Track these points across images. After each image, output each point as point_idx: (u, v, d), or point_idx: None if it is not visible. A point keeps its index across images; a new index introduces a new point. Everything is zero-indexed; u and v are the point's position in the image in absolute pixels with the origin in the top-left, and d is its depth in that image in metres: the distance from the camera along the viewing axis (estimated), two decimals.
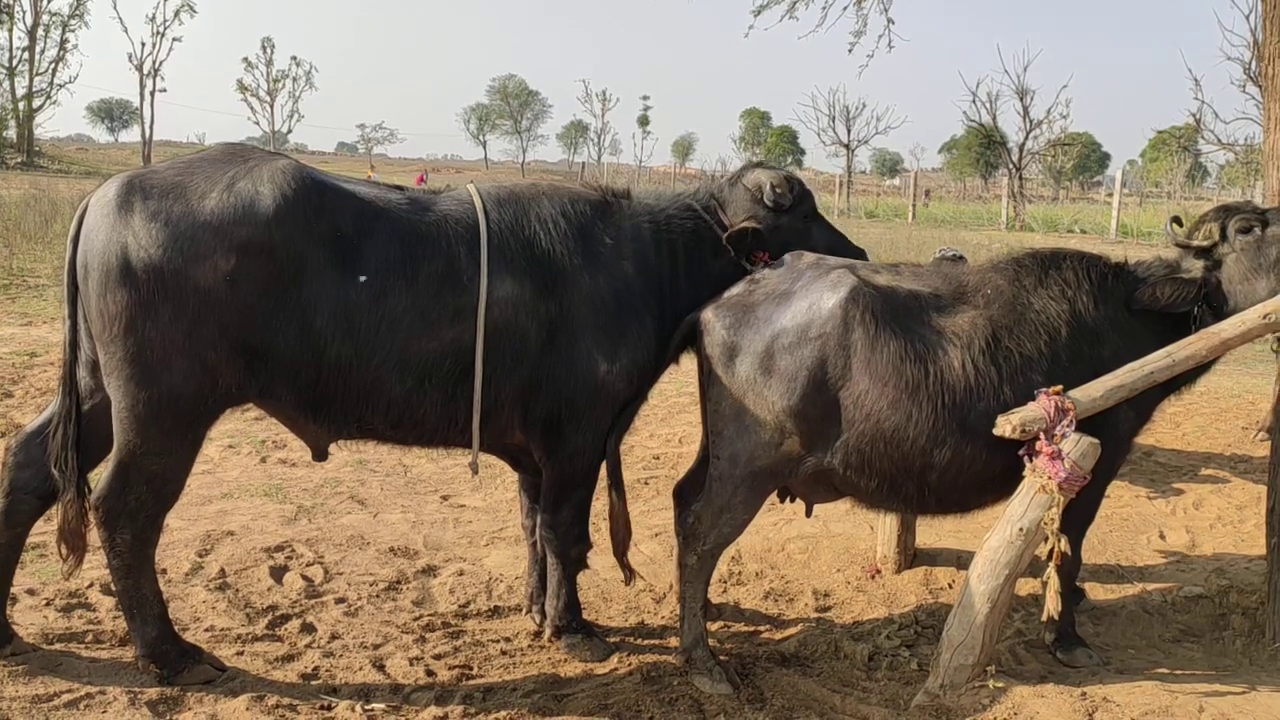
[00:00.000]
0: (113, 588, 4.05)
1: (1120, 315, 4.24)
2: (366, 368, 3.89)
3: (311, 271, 3.80)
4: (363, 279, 3.83)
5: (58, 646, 4.22)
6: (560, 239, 4.21)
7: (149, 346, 3.68)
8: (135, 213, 3.68)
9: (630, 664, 4.42)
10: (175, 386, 3.72)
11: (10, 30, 46.74)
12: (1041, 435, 3.85)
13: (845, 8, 10.15)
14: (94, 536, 3.92)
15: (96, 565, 4.54)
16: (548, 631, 4.61)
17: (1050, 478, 3.83)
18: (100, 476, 3.88)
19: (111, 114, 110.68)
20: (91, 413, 3.99)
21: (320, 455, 4.27)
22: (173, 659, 3.97)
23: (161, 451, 3.79)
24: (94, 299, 3.71)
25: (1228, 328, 4.11)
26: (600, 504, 4.41)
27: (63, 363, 3.93)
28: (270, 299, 3.76)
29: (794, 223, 4.59)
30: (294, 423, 4.16)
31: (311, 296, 3.80)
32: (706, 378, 4.25)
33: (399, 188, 4.24)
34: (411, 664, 4.33)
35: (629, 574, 4.53)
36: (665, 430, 8.46)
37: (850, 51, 10.83)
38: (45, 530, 4.62)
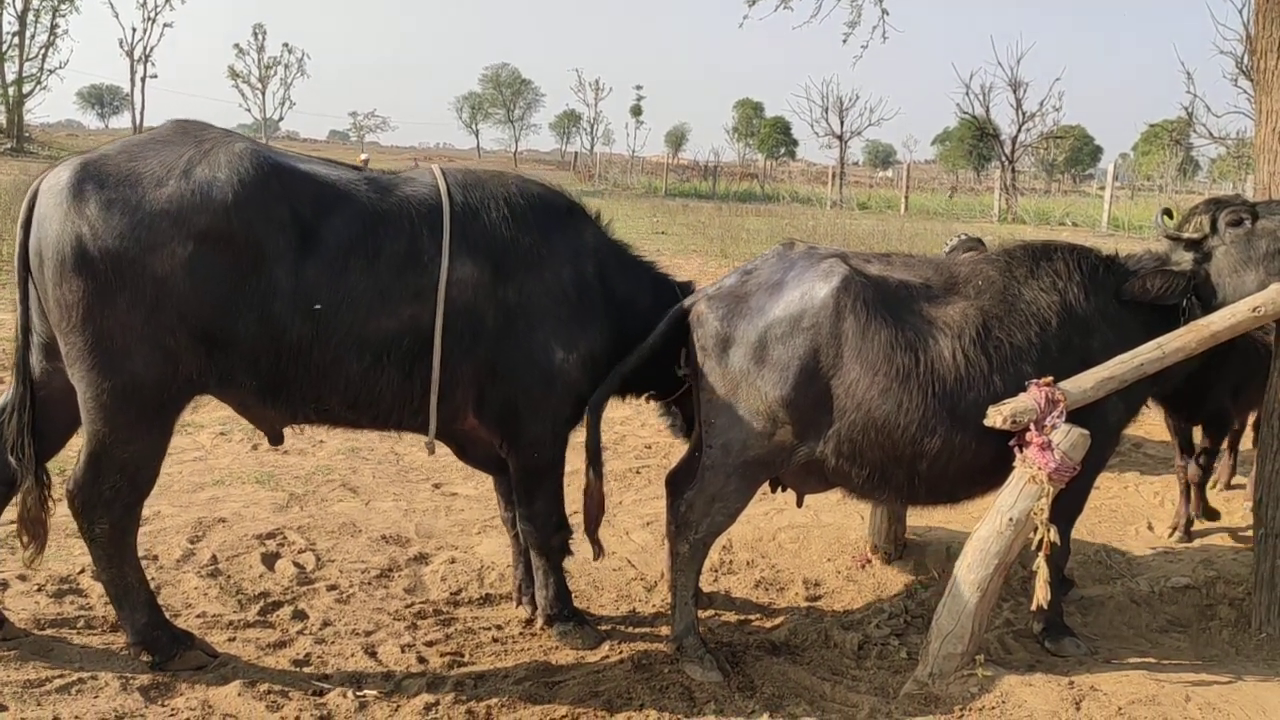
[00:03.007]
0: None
1: (1110, 307, 4.26)
2: (326, 347, 3.86)
3: (271, 257, 3.75)
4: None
5: (49, 632, 4.22)
6: (526, 228, 4.19)
7: (109, 335, 3.63)
8: (89, 201, 3.61)
9: (621, 652, 4.44)
10: (137, 374, 3.69)
11: (0, 15, 46.39)
12: (1032, 426, 3.87)
13: None
14: (61, 523, 3.91)
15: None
16: (539, 620, 4.62)
17: (1040, 468, 3.85)
18: (73, 467, 3.86)
19: (102, 100, 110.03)
20: (46, 399, 3.93)
21: (276, 439, 4.26)
22: (164, 645, 3.97)
23: (130, 440, 3.76)
24: (50, 288, 3.65)
25: (1217, 320, 4.13)
26: (577, 492, 4.40)
27: (16, 349, 3.89)
28: (229, 285, 3.71)
29: None
30: (249, 409, 4.12)
31: (271, 281, 3.76)
32: (699, 368, 4.25)
33: (356, 168, 4.19)
34: (403, 651, 4.34)
35: (598, 549, 4.46)
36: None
37: (844, 42, 10.85)
38: None
